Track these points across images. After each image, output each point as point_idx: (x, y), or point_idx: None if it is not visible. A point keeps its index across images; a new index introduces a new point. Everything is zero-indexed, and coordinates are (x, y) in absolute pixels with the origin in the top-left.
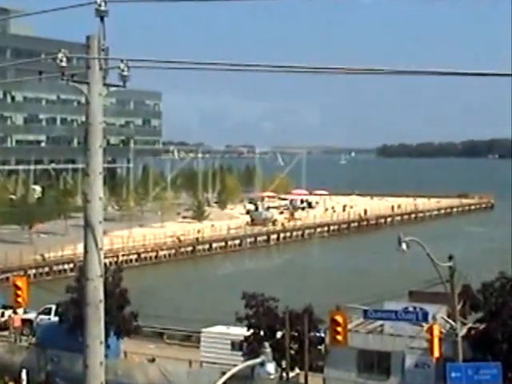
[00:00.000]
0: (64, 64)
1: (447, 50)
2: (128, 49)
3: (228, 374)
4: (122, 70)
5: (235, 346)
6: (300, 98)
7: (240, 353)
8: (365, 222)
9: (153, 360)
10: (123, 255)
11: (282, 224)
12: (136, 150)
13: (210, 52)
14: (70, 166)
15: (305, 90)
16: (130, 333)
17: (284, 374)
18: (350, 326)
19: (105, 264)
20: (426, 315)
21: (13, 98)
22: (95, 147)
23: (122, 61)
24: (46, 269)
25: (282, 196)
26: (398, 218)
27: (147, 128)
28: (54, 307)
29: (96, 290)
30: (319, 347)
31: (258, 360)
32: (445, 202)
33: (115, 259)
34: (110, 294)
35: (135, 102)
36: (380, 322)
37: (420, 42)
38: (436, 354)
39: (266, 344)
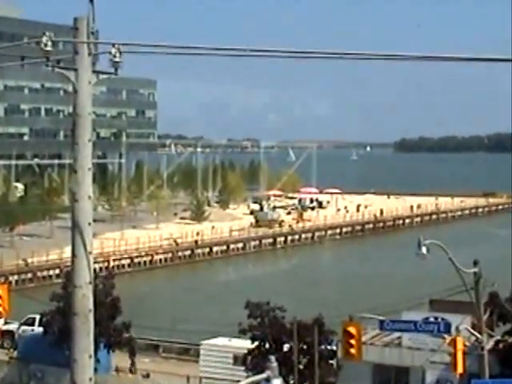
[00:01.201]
0: (49, 48)
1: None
2: (120, 32)
3: None
4: (114, 56)
5: (238, 360)
6: (309, 87)
7: (243, 368)
8: (381, 224)
9: (147, 375)
10: (115, 260)
11: (290, 225)
12: (129, 143)
13: (210, 36)
14: (56, 161)
15: (315, 78)
16: (122, 345)
17: None
18: (364, 339)
19: (94, 270)
20: (448, 326)
21: None
22: (84, 141)
23: (113, 45)
24: (30, 275)
25: (290, 195)
26: (418, 219)
27: (141, 120)
28: (37, 317)
29: (85, 299)
30: (331, 362)
31: (263, 376)
32: (469, 202)
33: (106, 264)
34: (101, 302)
35: (128, 91)
36: (398, 334)
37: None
38: (460, 369)
39: (272, 358)
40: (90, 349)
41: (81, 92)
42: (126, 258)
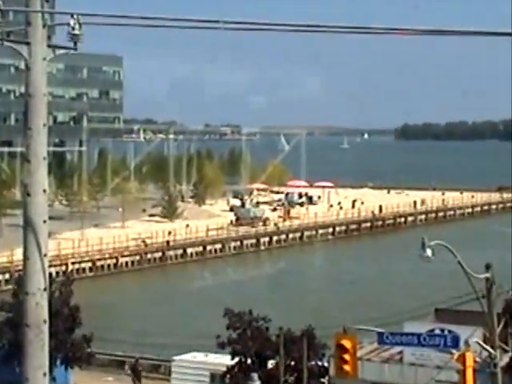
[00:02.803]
0: None
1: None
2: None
3: None
4: (73, 28)
5: (215, 378)
6: (298, 66)
7: None
8: (379, 222)
9: None
10: (74, 263)
11: (276, 224)
12: (90, 129)
13: (183, 6)
14: (6, 149)
15: (304, 54)
16: (81, 362)
17: None
18: (360, 354)
19: (50, 274)
20: (456, 340)
21: None
22: (38, 126)
23: (72, 16)
24: None
25: (276, 189)
26: (422, 216)
27: (105, 102)
28: None
29: (38, 308)
30: (322, 379)
31: None
32: (481, 197)
33: (64, 268)
34: (57, 312)
35: (89, 69)
36: (398, 349)
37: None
38: None
39: (255, 375)
40: (44, 365)
41: (34, 69)
42: (86, 260)
